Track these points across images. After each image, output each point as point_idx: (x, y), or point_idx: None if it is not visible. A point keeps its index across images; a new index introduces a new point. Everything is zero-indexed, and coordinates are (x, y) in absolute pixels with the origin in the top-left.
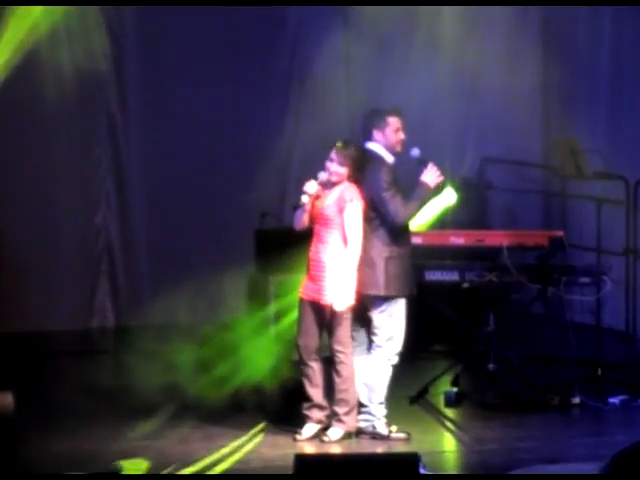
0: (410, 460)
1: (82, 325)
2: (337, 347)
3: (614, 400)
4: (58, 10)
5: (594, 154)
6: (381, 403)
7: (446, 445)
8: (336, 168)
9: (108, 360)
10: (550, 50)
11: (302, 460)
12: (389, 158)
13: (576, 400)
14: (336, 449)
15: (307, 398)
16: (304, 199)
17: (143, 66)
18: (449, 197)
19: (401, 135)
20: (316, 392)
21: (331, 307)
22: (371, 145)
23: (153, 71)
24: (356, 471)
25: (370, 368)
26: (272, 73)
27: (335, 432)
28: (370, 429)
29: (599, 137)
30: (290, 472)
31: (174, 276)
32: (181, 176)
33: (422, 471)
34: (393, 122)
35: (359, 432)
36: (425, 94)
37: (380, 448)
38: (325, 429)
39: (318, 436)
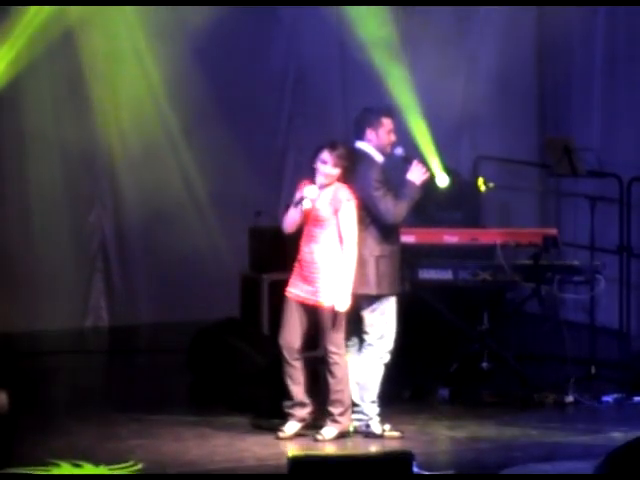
0: (403, 459)
1: (76, 324)
2: (331, 348)
3: (608, 398)
4: None
5: (588, 153)
6: (373, 402)
7: (440, 444)
8: (329, 170)
9: (102, 359)
10: (545, 49)
11: (296, 460)
12: (379, 158)
13: (570, 398)
14: (330, 448)
15: (289, 396)
16: (307, 204)
17: None
18: (441, 180)
19: (392, 137)
20: (298, 390)
21: (328, 308)
22: (361, 144)
23: None
24: (349, 470)
25: (362, 367)
26: (267, 72)
27: (329, 431)
28: (364, 428)
29: (593, 136)
30: (284, 471)
31: (169, 275)
32: (176, 174)
33: (416, 470)
34: (387, 123)
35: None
36: (419, 93)
37: (373, 447)
38: (313, 427)
39: (303, 434)
